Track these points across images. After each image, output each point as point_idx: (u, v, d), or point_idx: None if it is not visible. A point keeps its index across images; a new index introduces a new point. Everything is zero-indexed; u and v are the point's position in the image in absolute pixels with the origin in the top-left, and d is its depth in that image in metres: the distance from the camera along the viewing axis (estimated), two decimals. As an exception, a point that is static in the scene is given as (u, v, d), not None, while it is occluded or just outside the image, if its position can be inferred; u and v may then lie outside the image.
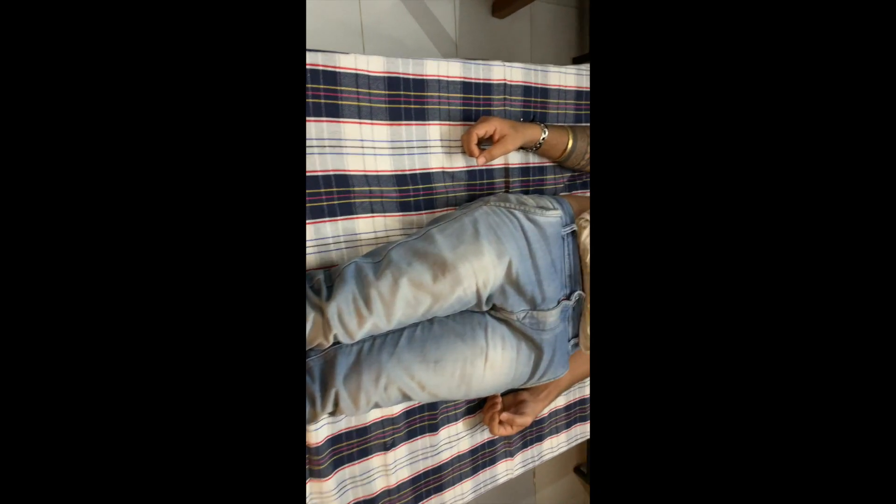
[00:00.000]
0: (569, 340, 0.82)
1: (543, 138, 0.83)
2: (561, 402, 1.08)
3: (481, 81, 0.82)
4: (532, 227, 0.73)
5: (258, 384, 0.34)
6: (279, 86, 0.35)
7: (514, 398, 0.92)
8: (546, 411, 1.05)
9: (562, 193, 0.98)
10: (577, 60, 1.62)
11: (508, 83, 0.85)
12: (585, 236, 0.77)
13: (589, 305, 0.79)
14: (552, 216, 0.76)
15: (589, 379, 1.12)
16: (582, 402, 1.12)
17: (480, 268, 0.68)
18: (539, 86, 0.89)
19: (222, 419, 0.33)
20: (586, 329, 0.80)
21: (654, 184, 0.36)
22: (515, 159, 0.90)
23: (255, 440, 0.34)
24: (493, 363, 0.74)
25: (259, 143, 0.34)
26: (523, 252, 0.72)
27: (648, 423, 0.36)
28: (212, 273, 0.33)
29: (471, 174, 0.85)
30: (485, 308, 0.75)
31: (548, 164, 0.93)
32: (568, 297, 0.78)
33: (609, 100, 0.38)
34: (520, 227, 0.73)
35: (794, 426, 0.33)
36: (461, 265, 0.68)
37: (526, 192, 0.93)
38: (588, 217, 0.77)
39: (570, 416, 1.10)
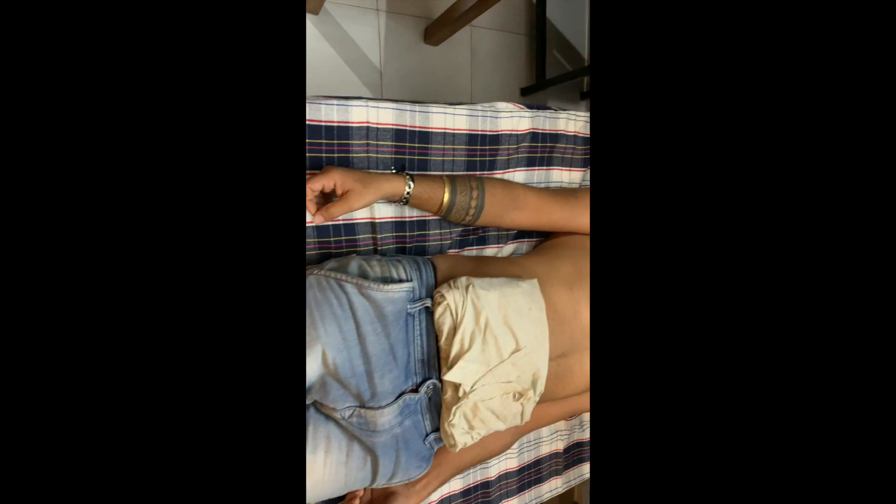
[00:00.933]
0: (424, 438, 0.67)
1: (409, 192, 0.70)
2: (457, 485, 0.93)
3: (335, 124, 0.70)
4: (364, 304, 0.60)
5: (255, 391, 0.34)
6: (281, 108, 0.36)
7: (384, 489, 0.77)
8: (436, 496, 0.91)
9: (450, 251, 0.85)
10: (525, 92, 1.50)
11: (372, 126, 0.73)
12: (440, 313, 0.63)
13: (446, 397, 0.65)
14: (395, 291, 0.62)
15: (492, 458, 0.97)
16: (485, 484, 0.97)
17: (277, 360, 0.55)
18: (416, 129, 0.77)
19: (217, 424, 0.33)
20: (446, 427, 0.65)
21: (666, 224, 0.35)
22: (386, 213, 0.77)
23: (253, 446, 0.34)
24: (313, 469, 0.61)
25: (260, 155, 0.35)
26: (348, 337, 0.59)
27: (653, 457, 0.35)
28: (220, 277, 0.34)
29: (321, 230, 0.72)
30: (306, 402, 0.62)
31: (432, 218, 0.81)
32: (415, 389, 0.64)
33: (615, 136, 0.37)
34: (348, 304, 0.60)
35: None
36: (250, 358, 0.55)
37: (402, 251, 0.80)
38: (445, 292, 0.64)
39: (468, 501, 0.95)
